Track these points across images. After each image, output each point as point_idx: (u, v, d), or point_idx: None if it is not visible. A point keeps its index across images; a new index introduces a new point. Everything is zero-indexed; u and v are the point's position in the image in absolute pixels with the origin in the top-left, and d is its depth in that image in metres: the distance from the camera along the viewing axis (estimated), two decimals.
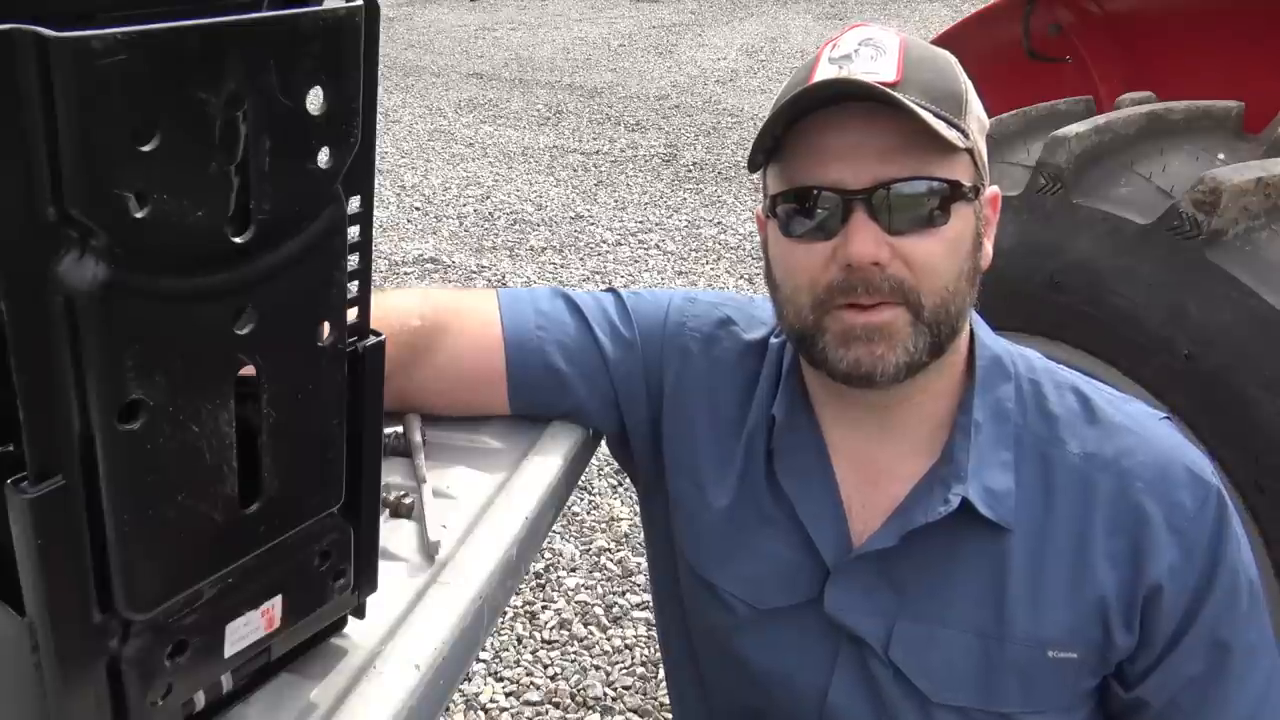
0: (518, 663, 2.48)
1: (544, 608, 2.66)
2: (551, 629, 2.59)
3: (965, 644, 0.98)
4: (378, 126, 0.63)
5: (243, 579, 0.66)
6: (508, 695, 2.38)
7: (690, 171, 5.99)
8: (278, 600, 0.69)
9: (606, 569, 2.81)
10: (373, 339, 0.70)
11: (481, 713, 2.34)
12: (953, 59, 0.96)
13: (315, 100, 0.56)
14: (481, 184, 5.78)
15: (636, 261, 4.78)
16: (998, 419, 0.99)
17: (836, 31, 0.96)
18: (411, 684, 0.75)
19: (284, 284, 0.60)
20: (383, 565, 0.80)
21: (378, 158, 0.73)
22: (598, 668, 2.47)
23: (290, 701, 0.73)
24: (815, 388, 1.05)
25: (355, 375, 0.69)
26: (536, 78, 8.20)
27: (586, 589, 2.73)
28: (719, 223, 5.22)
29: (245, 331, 0.58)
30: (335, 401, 0.67)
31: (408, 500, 0.95)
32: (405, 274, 4.60)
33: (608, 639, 2.56)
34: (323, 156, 0.59)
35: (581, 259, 4.80)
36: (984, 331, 1.04)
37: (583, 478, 1.84)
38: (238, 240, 0.55)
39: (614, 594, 2.71)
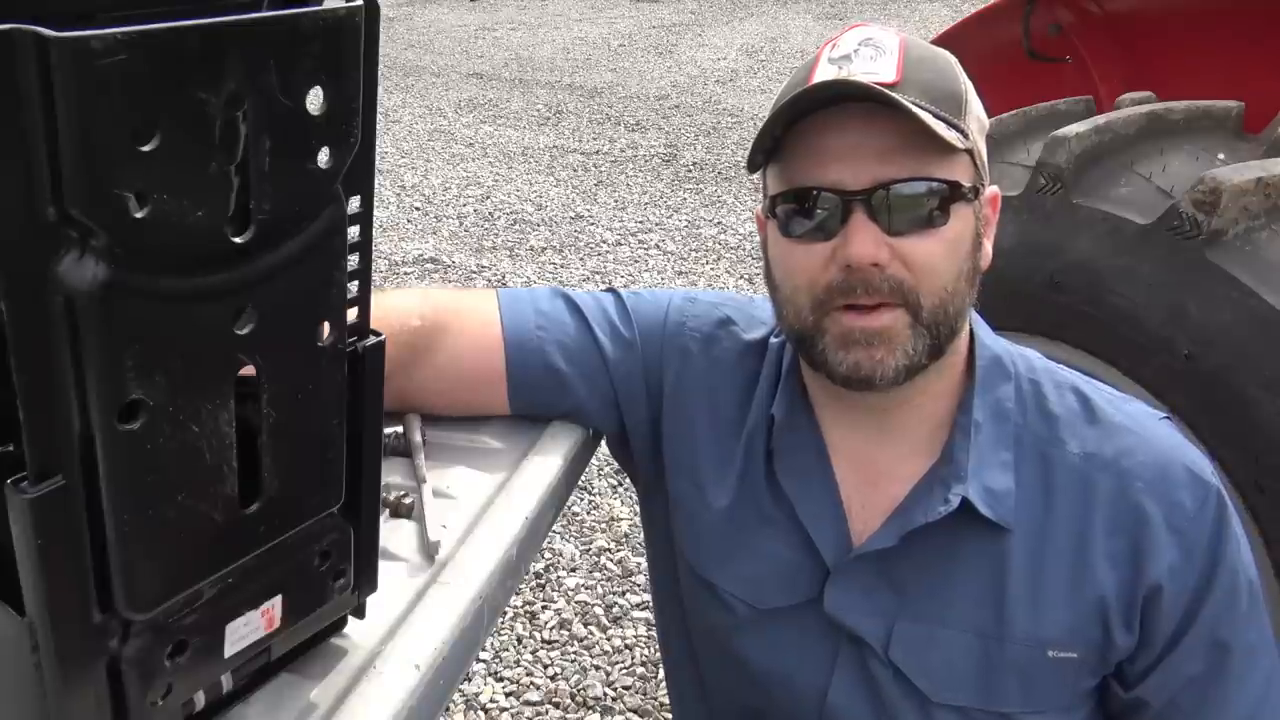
0: (518, 663, 2.48)
1: (544, 608, 2.66)
2: (551, 629, 2.59)
3: (965, 644, 0.98)
4: (378, 126, 0.63)
5: (243, 579, 0.66)
6: (508, 695, 2.38)
7: (690, 171, 5.99)
8: (278, 600, 0.69)
9: (606, 569, 2.81)
10: (373, 339, 0.70)
11: (481, 713, 2.33)
12: (953, 59, 0.96)
13: (315, 100, 0.56)
14: (481, 184, 5.78)
15: (636, 261, 4.78)
16: (998, 419, 0.99)
17: (836, 31, 0.96)
18: (411, 684, 0.75)
19: (284, 284, 0.60)
20: (383, 565, 0.80)
21: (378, 158, 0.73)
22: (598, 668, 2.47)
23: (290, 701, 0.73)
24: (815, 388, 1.05)
25: (355, 375, 0.69)
26: (536, 78, 8.20)
27: (586, 589, 2.73)
28: (719, 223, 5.22)
29: (245, 331, 0.58)
30: (335, 401, 0.68)
31: (408, 500, 0.95)
32: (405, 274, 4.60)
33: (608, 639, 2.56)
34: (323, 156, 0.59)
35: (581, 259, 4.80)
36: (984, 331, 1.03)
37: (583, 478, 1.84)
38: (238, 240, 0.55)
39: (614, 594, 2.71)
